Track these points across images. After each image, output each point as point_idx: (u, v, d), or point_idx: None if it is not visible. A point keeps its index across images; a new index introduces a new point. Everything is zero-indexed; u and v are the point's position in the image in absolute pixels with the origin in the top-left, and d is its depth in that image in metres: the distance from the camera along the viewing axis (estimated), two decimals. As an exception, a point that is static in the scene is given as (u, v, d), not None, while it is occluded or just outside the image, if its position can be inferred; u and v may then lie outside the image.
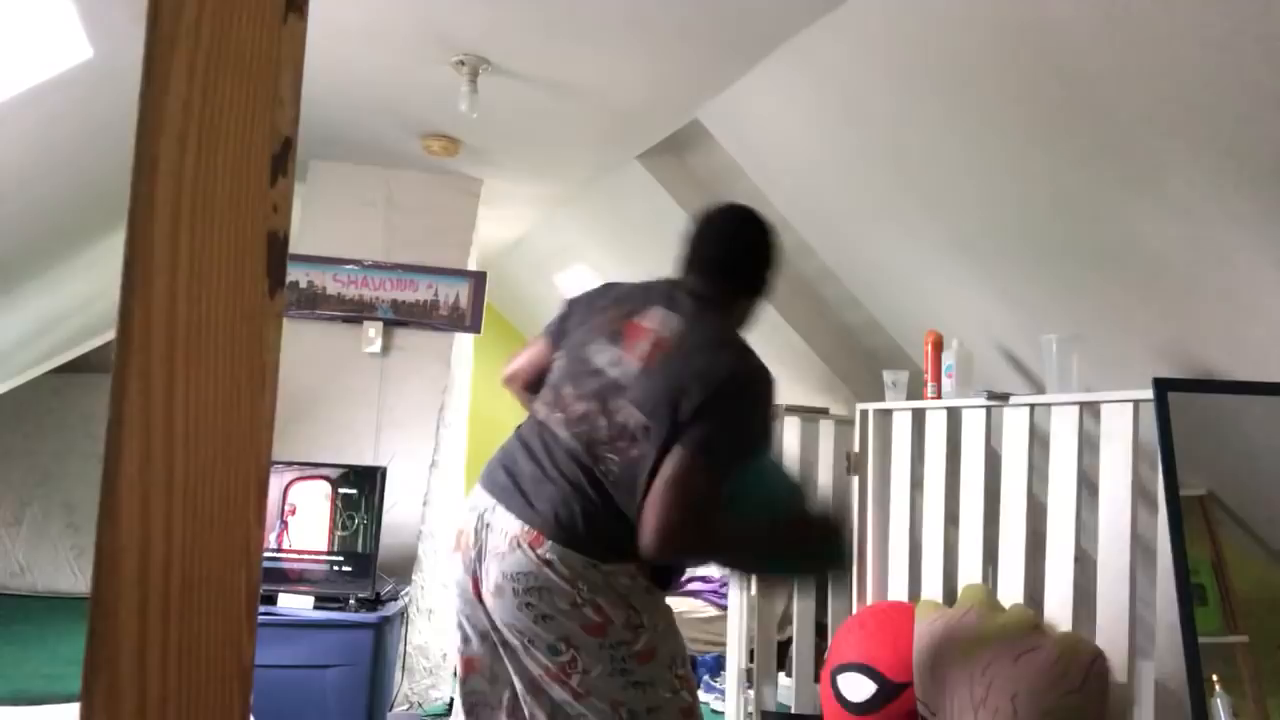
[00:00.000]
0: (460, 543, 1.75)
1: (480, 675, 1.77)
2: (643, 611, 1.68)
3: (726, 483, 1.61)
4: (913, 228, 3.02)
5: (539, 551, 1.63)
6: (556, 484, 1.68)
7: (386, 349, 3.78)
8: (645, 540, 1.59)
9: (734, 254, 1.87)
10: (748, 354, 1.73)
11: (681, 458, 1.59)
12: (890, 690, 2.75)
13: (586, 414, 1.70)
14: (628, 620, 1.65)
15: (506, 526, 1.67)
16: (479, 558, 1.70)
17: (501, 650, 1.73)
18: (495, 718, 1.77)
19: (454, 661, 1.84)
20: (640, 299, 1.81)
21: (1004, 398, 2.82)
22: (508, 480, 1.73)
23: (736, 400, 1.65)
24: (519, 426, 1.84)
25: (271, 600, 3.03)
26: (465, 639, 1.77)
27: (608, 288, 1.93)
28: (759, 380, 1.69)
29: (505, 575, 1.64)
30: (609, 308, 1.82)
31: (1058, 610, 2.57)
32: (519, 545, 1.64)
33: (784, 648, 3.73)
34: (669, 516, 1.57)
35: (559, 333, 1.86)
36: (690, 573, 4.90)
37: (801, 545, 1.81)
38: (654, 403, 1.64)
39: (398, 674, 3.62)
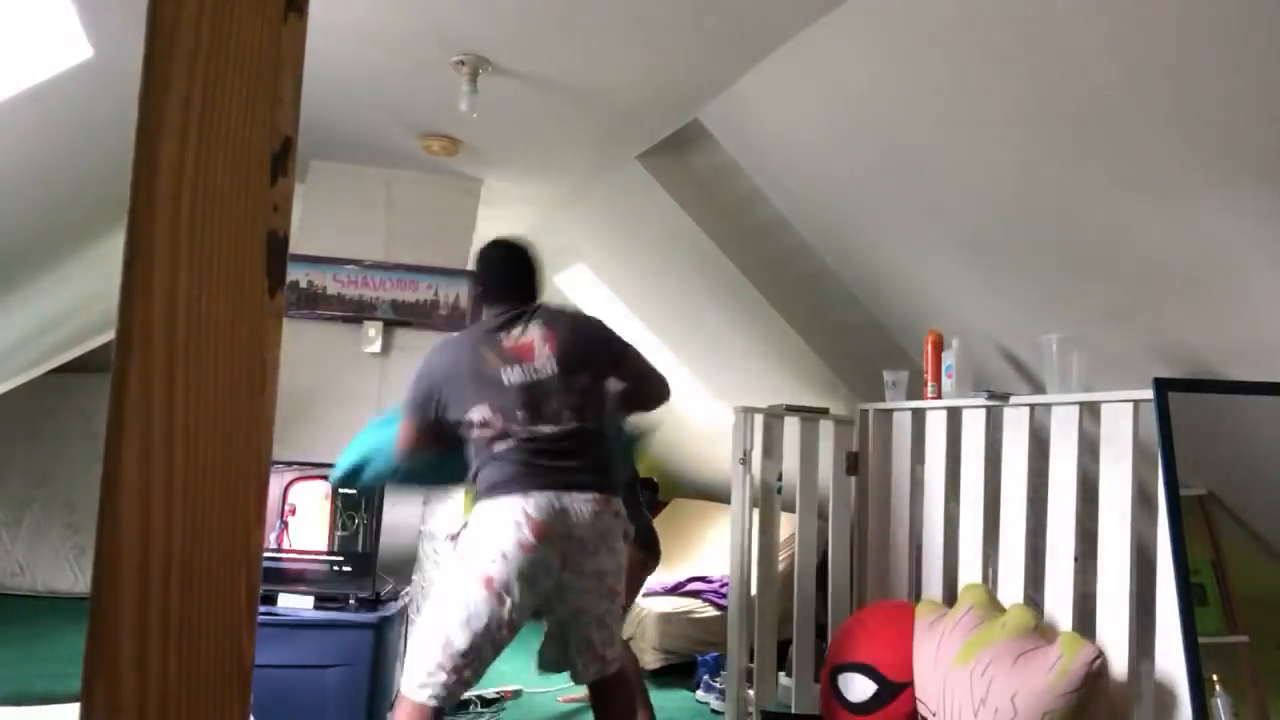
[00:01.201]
0: (541, 533, 2.20)
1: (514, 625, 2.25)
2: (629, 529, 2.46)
3: None
4: (913, 227, 3.02)
5: (613, 505, 2.33)
6: (586, 456, 2.33)
7: (386, 349, 3.78)
8: (660, 392, 2.57)
9: (532, 272, 2.59)
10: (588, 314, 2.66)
11: (635, 358, 2.53)
12: (890, 690, 2.75)
13: (557, 406, 2.33)
14: (626, 536, 2.42)
15: (580, 503, 2.26)
16: (563, 536, 2.23)
17: (560, 602, 2.31)
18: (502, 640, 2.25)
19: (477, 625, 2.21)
20: (502, 331, 2.41)
21: (1004, 398, 2.82)
22: (553, 472, 2.26)
23: (616, 332, 2.58)
24: (506, 451, 2.31)
25: (271, 600, 3.03)
26: (515, 606, 2.21)
27: (457, 349, 2.44)
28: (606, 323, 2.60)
29: (600, 534, 2.28)
30: (482, 355, 2.37)
31: (1058, 610, 2.57)
32: (599, 510, 2.28)
33: (784, 648, 3.73)
34: (659, 375, 2.58)
35: (439, 405, 2.37)
36: (690, 573, 4.90)
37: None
38: (589, 359, 2.41)
39: (398, 674, 3.62)
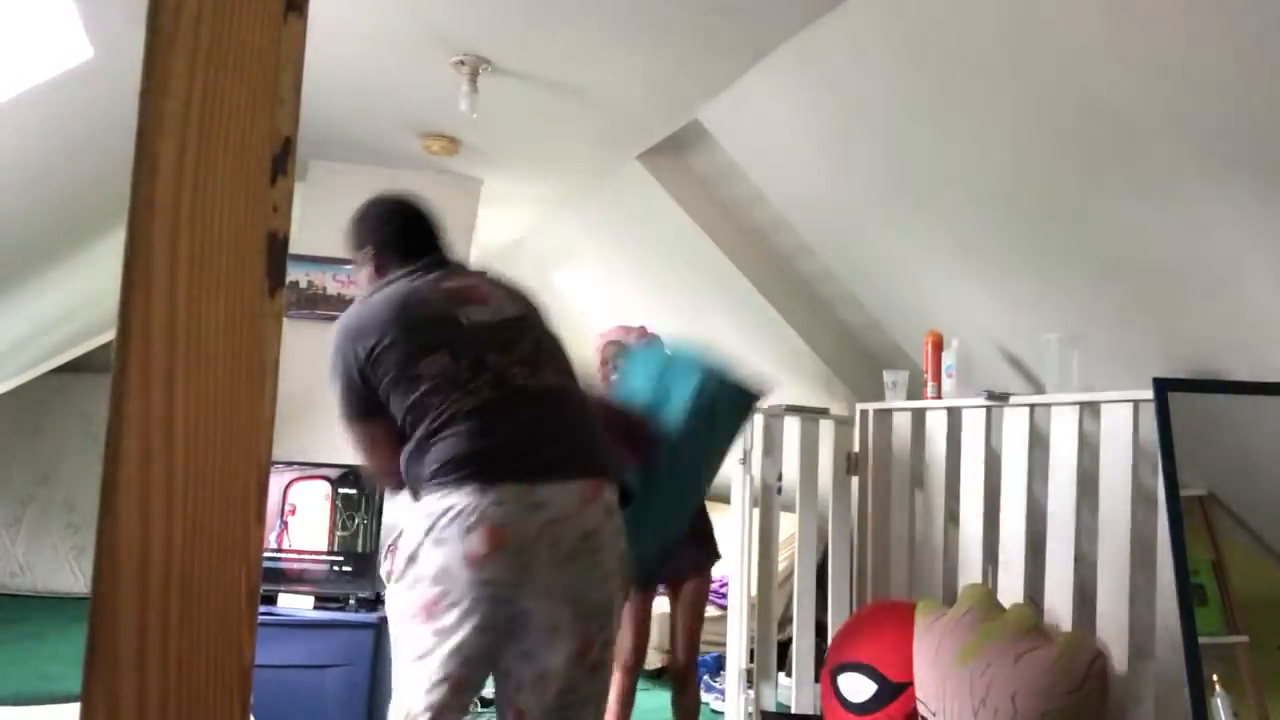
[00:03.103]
0: (498, 540, 1.60)
1: (470, 689, 1.70)
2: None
3: None
4: (913, 228, 3.02)
5: (606, 498, 1.71)
6: (571, 421, 1.77)
7: (386, 349, 3.77)
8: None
9: (436, 227, 2.04)
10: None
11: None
12: (890, 690, 2.75)
13: (533, 352, 1.81)
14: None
15: (561, 495, 1.66)
16: (533, 543, 1.62)
17: (519, 656, 1.67)
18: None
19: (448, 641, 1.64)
20: (430, 277, 1.87)
21: (1004, 398, 2.82)
22: (527, 454, 1.68)
23: None
24: (469, 412, 1.70)
25: (271, 600, 3.03)
26: (463, 663, 1.63)
27: (374, 310, 1.84)
28: None
29: (583, 535, 1.66)
30: (421, 300, 1.82)
31: (1058, 610, 2.56)
32: (587, 503, 1.67)
33: (784, 648, 3.73)
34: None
35: (379, 384, 1.76)
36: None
37: None
38: (531, 308, 1.91)
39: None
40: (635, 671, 2.92)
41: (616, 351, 2.92)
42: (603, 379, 2.89)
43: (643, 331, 2.99)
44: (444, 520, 1.61)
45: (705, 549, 2.94)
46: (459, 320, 1.77)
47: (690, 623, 2.86)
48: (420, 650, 1.62)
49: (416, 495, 1.71)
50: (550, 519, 1.62)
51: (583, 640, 1.65)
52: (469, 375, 1.71)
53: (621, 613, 1.78)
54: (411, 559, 1.65)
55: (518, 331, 1.81)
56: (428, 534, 1.62)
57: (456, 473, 1.63)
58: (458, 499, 1.61)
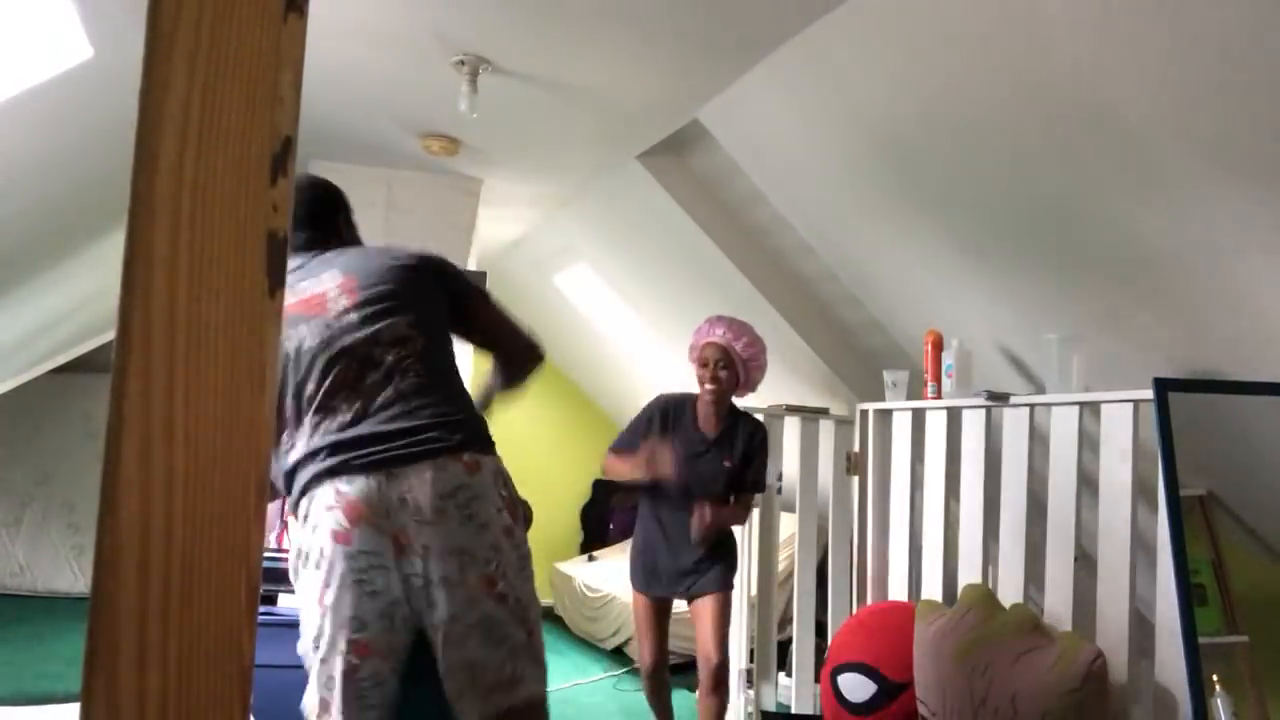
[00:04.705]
0: (355, 516, 1.69)
1: (376, 655, 1.73)
2: (517, 503, 1.82)
3: None
4: (913, 228, 3.02)
5: (466, 457, 1.72)
6: (422, 413, 1.75)
7: (386, 349, 3.77)
8: (523, 352, 2.03)
9: (325, 207, 2.00)
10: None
11: (484, 302, 1.99)
12: (890, 690, 2.75)
13: (365, 368, 1.76)
14: (516, 514, 1.79)
15: (419, 473, 1.69)
16: (397, 509, 1.68)
17: (418, 599, 1.71)
18: (387, 687, 1.75)
19: (332, 663, 1.76)
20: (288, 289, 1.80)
21: (1004, 398, 2.82)
22: (375, 453, 1.70)
23: (458, 268, 2.02)
24: (312, 445, 1.76)
25: (271, 600, 3.02)
26: (359, 627, 1.72)
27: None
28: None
29: (442, 495, 1.68)
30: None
31: (1058, 610, 2.57)
32: (447, 465, 1.70)
33: (784, 648, 3.73)
34: (521, 329, 2.02)
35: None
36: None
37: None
38: (413, 297, 1.83)
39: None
40: (655, 674, 2.96)
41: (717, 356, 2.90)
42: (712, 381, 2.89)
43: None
44: (314, 514, 1.77)
45: (731, 568, 2.99)
46: (290, 353, 1.77)
47: (722, 628, 2.89)
48: (322, 656, 1.80)
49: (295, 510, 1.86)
50: (406, 490, 1.68)
51: (481, 577, 1.70)
52: (296, 413, 1.77)
53: (514, 539, 1.77)
54: (297, 553, 1.83)
55: (346, 351, 1.75)
56: (307, 529, 1.79)
57: (314, 484, 1.75)
58: (320, 495, 1.74)
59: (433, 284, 1.89)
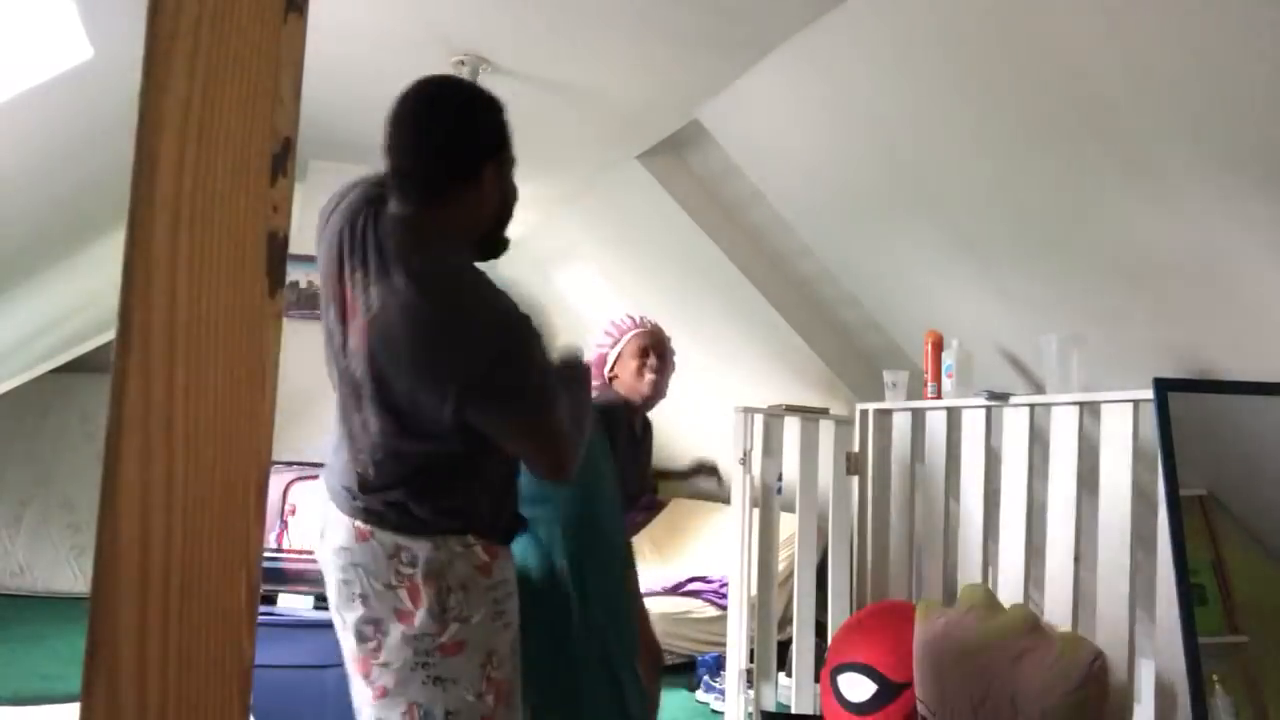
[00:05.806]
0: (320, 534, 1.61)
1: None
2: (456, 593, 1.48)
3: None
4: (912, 227, 3.02)
5: (357, 524, 1.51)
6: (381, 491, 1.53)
7: (386, 349, 3.77)
8: (539, 460, 1.55)
9: (434, 122, 1.54)
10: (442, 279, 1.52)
11: (490, 399, 1.51)
12: (890, 690, 2.75)
13: (358, 430, 1.57)
14: (439, 604, 1.47)
15: (339, 522, 1.55)
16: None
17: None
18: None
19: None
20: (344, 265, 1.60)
21: (1004, 398, 2.82)
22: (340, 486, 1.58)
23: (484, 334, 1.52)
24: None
25: (271, 600, 3.03)
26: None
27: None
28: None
29: (333, 550, 1.54)
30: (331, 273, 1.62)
31: (1058, 610, 2.56)
32: (340, 522, 1.54)
33: (784, 648, 3.73)
34: (541, 428, 1.52)
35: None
36: (689, 573, 4.89)
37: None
38: (419, 371, 1.48)
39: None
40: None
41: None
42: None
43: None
44: None
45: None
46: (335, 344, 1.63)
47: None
48: None
49: None
50: (327, 532, 1.56)
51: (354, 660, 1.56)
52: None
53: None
54: None
55: (350, 397, 1.57)
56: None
57: None
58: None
59: (435, 368, 1.58)
